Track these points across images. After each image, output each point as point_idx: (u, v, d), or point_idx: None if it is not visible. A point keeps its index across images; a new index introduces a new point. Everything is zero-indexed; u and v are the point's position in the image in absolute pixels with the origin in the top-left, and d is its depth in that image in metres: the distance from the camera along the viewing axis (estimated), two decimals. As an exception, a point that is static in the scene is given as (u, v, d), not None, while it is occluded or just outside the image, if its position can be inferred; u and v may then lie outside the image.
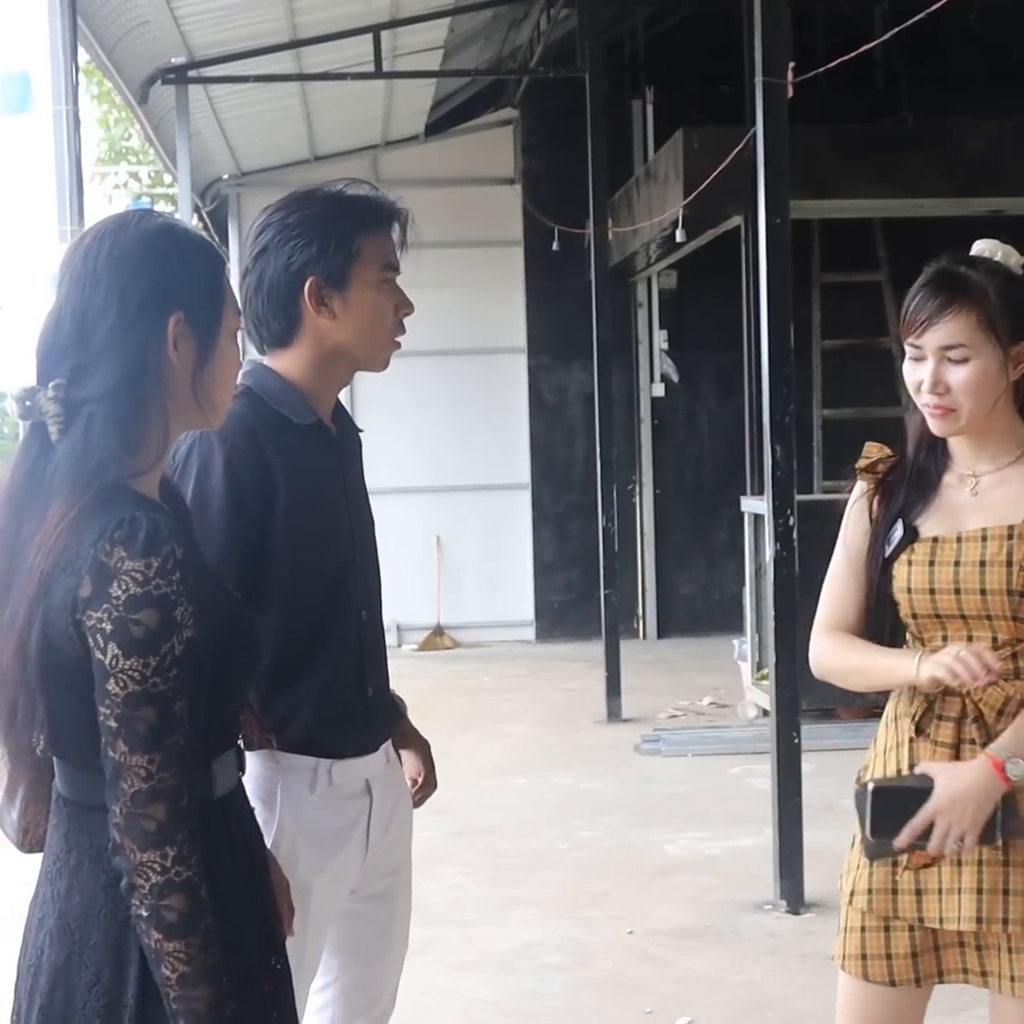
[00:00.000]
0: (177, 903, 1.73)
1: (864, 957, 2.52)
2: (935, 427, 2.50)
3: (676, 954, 4.98)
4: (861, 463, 2.63)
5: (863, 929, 2.52)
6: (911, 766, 2.48)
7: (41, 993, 1.84)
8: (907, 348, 2.51)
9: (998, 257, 2.52)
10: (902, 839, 2.42)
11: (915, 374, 2.50)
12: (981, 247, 2.54)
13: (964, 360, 2.45)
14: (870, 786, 2.45)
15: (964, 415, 2.47)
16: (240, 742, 2.01)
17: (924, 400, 2.48)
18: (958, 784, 2.39)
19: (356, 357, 2.53)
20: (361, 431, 2.71)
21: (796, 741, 5.38)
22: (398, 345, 2.58)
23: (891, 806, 2.42)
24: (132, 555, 1.75)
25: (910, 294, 2.51)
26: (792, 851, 5.34)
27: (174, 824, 1.74)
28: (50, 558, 1.78)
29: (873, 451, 2.63)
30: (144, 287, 1.84)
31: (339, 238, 2.44)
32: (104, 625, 1.74)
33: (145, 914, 1.74)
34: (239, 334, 1.98)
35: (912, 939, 2.50)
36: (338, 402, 2.63)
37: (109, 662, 1.74)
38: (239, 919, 1.87)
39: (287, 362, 2.51)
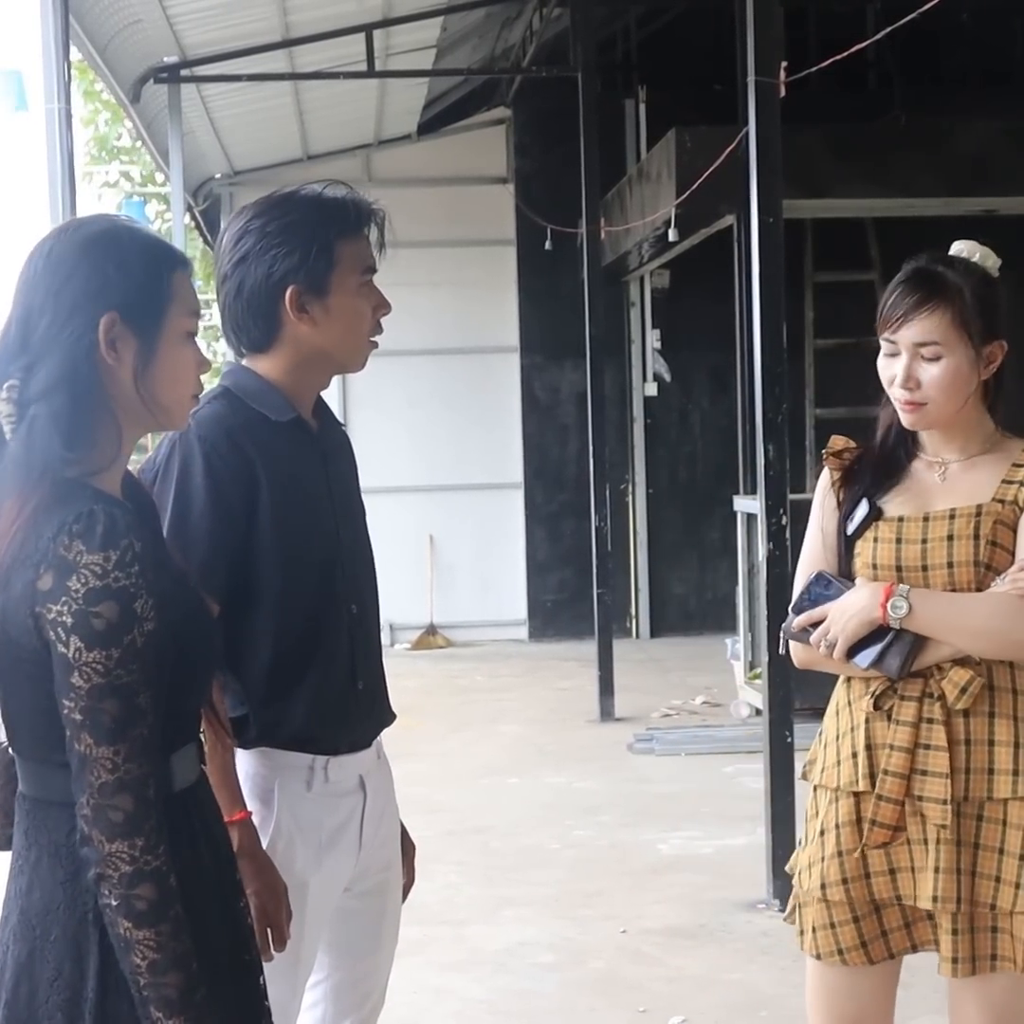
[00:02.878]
0: (146, 891, 1.76)
1: (864, 944, 2.56)
2: (906, 421, 2.58)
3: (669, 953, 4.98)
4: (828, 450, 2.71)
5: (856, 919, 2.56)
6: (868, 747, 2.53)
7: (6, 988, 1.86)
8: (882, 343, 2.58)
9: (976, 258, 2.60)
10: (799, 621, 2.58)
11: (889, 369, 2.57)
12: (959, 247, 2.62)
13: (937, 357, 2.53)
14: (814, 573, 2.60)
15: (933, 410, 2.55)
16: (201, 736, 2.03)
17: (896, 394, 2.56)
18: (852, 596, 2.53)
19: (335, 360, 2.55)
20: (343, 426, 2.71)
21: (789, 740, 5.39)
22: (375, 345, 2.59)
23: (816, 595, 2.59)
24: (91, 548, 1.77)
25: (887, 291, 2.59)
26: (785, 850, 5.33)
27: (141, 814, 1.77)
28: (8, 554, 1.80)
29: (839, 443, 2.72)
30: (76, 288, 1.87)
31: (320, 246, 2.43)
32: (64, 618, 1.76)
33: (114, 903, 1.76)
34: (193, 337, 1.98)
35: (902, 910, 2.55)
36: (320, 399, 2.63)
37: (72, 655, 1.76)
38: (198, 912, 1.88)
39: (266, 365, 2.52)
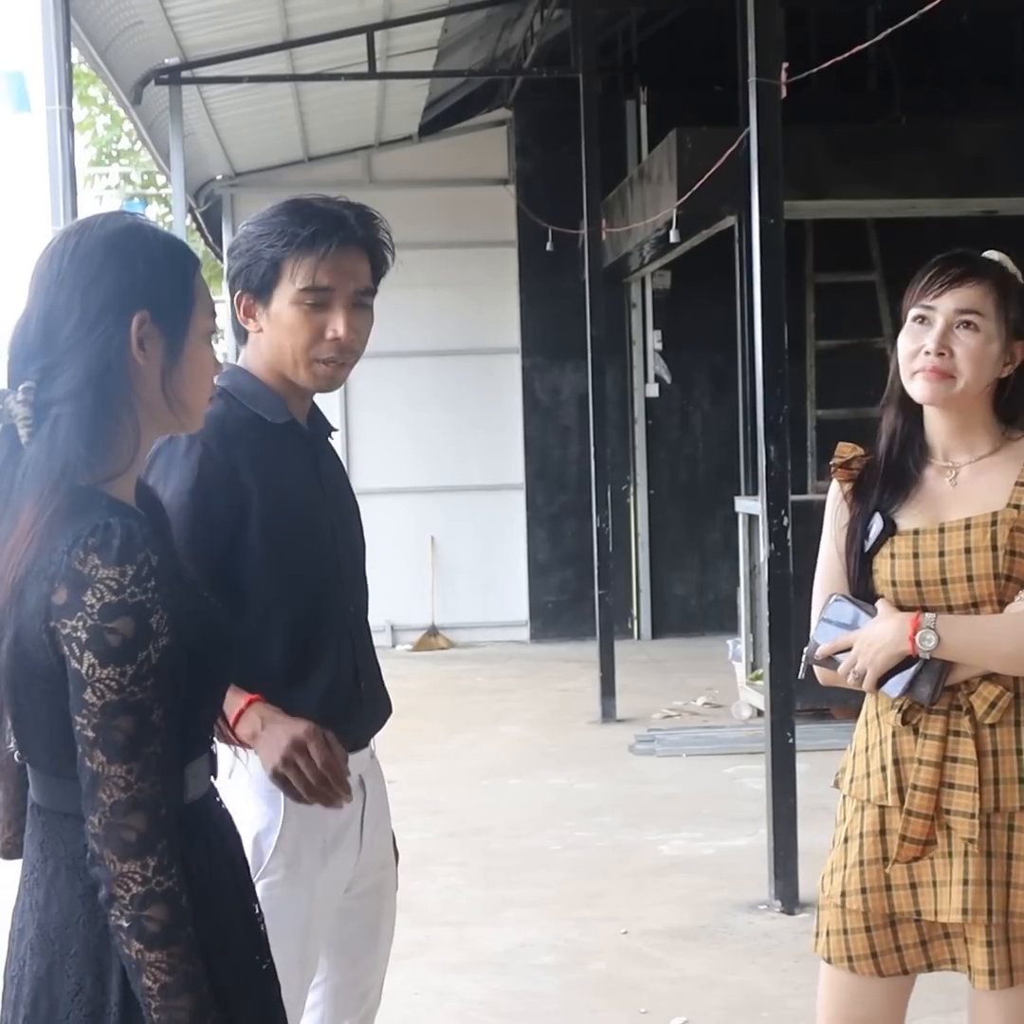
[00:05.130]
0: (158, 913, 1.72)
1: (875, 955, 2.54)
2: (926, 391, 2.51)
3: (670, 954, 4.98)
4: (836, 461, 2.66)
5: (868, 929, 2.53)
6: (895, 761, 2.51)
7: (25, 1004, 1.83)
8: (913, 313, 2.53)
9: (1007, 266, 2.58)
10: (823, 650, 2.55)
11: (916, 339, 2.52)
12: (989, 255, 2.60)
13: (975, 329, 2.49)
14: (832, 596, 2.57)
15: (960, 384, 2.50)
16: (213, 748, 2.00)
17: (921, 363, 2.50)
18: (879, 626, 2.49)
19: (282, 369, 2.53)
20: (335, 430, 2.73)
21: (790, 741, 5.39)
22: (330, 367, 2.52)
23: (837, 621, 2.56)
24: (106, 563, 1.73)
25: (924, 268, 2.55)
26: (786, 851, 5.34)
27: (154, 834, 1.73)
28: (23, 565, 1.76)
29: (846, 451, 2.67)
30: (107, 286, 1.83)
31: (262, 256, 2.48)
32: (79, 634, 1.72)
33: (125, 925, 1.72)
34: (213, 337, 1.97)
35: (919, 928, 2.52)
36: (314, 404, 2.64)
37: (85, 671, 1.72)
38: (221, 922, 1.86)
39: (253, 362, 2.55)
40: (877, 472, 2.60)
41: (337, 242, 2.48)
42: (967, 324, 2.49)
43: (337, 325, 2.49)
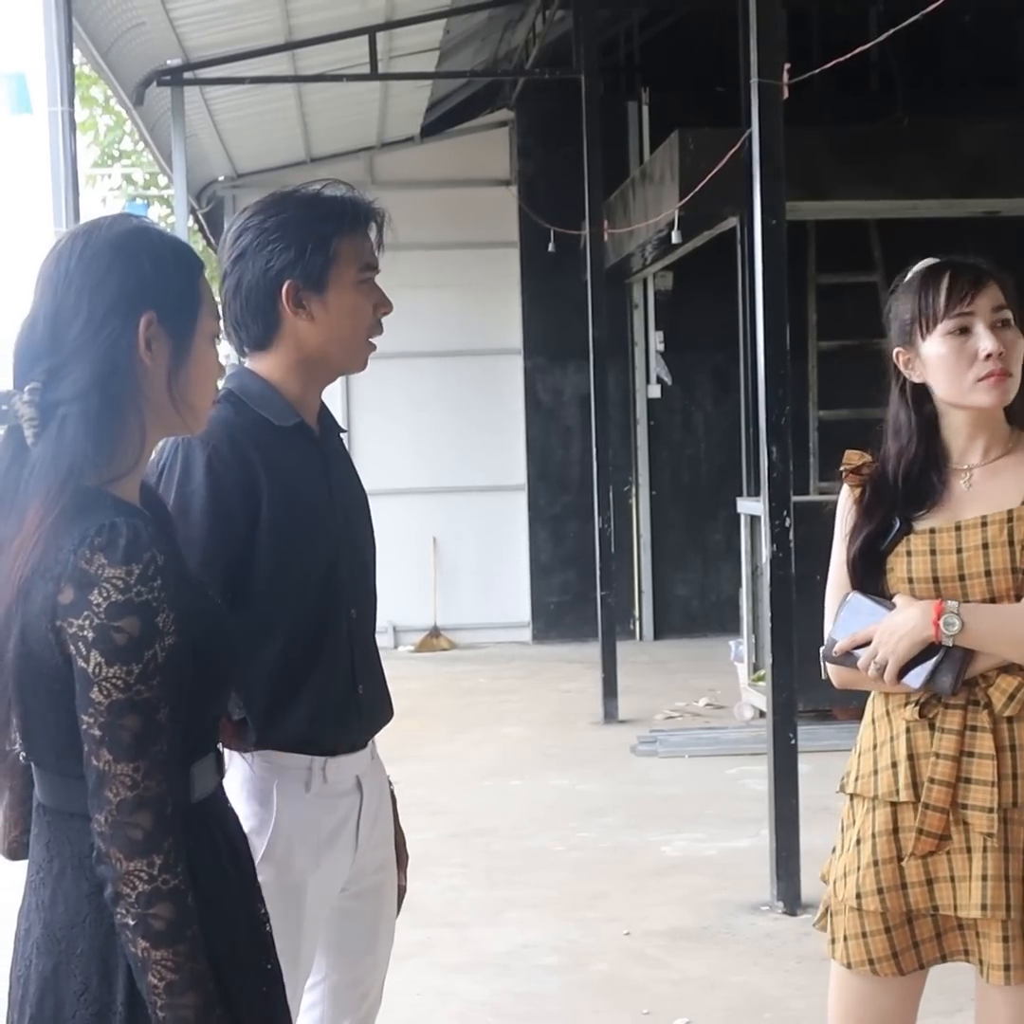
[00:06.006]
0: (164, 911, 1.73)
1: (895, 955, 2.54)
2: (995, 397, 2.50)
3: (673, 955, 4.98)
4: (846, 467, 2.66)
5: (887, 929, 2.53)
6: (910, 757, 2.50)
7: (31, 1003, 1.83)
8: (949, 325, 2.50)
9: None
10: (842, 644, 2.54)
11: (965, 350, 2.50)
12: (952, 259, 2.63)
13: (1010, 323, 2.50)
14: (850, 593, 2.56)
15: (1013, 381, 2.50)
16: (219, 746, 2.01)
17: (986, 369, 2.48)
18: (900, 616, 2.49)
19: (334, 359, 2.54)
20: (343, 431, 2.72)
21: (792, 742, 5.39)
22: (374, 346, 2.57)
23: (856, 616, 2.54)
24: (113, 562, 1.74)
25: (927, 286, 2.53)
26: (788, 852, 5.34)
27: (160, 832, 1.74)
28: (29, 564, 1.77)
29: (854, 458, 2.67)
30: (114, 288, 1.84)
31: (316, 241, 2.44)
32: (86, 633, 1.73)
33: (132, 923, 1.73)
34: (218, 339, 1.98)
35: (934, 922, 2.53)
36: (323, 405, 2.63)
37: (92, 670, 1.73)
38: (227, 922, 1.87)
39: (268, 365, 2.52)
40: (894, 486, 2.59)
41: (374, 220, 2.50)
42: (1005, 321, 2.50)
43: (386, 302, 2.53)
